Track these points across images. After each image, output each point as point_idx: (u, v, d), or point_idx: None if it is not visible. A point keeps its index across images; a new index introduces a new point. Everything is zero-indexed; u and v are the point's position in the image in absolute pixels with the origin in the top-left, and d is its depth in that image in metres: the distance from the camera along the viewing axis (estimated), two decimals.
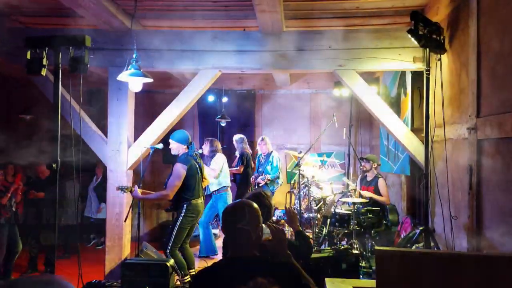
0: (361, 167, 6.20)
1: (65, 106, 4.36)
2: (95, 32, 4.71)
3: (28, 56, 2.71)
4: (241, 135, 7.42)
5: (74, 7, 4.07)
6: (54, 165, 2.59)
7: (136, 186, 4.61)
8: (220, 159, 6.32)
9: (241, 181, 7.41)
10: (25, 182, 6.44)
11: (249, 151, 7.49)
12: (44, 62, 2.70)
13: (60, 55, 2.68)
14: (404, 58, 4.69)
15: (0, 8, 4.75)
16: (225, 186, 6.30)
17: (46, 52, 2.70)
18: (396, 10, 4.69)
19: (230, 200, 6.30)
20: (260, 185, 7.28)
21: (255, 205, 2.16)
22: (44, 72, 2.73)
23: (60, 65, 2.68)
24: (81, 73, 2.70)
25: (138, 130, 5.07)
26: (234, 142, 7.37)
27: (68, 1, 3.89)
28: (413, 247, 4.16)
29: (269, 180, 7.00)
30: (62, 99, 2.73)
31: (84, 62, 2.69)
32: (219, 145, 6.41)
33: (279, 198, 7.65)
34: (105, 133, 4.94)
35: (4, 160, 5.90)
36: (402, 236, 5.19)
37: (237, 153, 7.46)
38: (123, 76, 4.04)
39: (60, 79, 2.70)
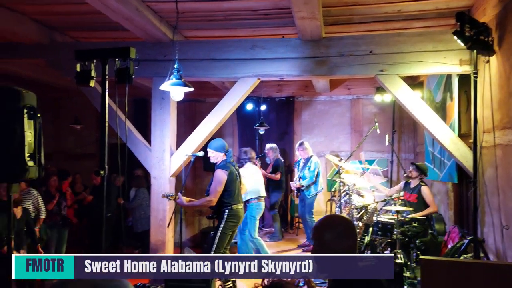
0: (405, 174, 6.02)
1: (112, 116, 4.56)
2: (140, 44, 4.89)
3: (78, 69, 2.84)
4: (273, 144, 7.68)
5: (121, 21, 4.26)
6: (102, 172, 2.70)
7: (180, 193, 4.70)
8: (248, 170, 6.24)
9: (275, 188, 7.54)
10: (82, 190, 6.86)
11: (281, 158, 7.73)
12: (93, 73, 2.82)
13: (107, 66, 2.80)
14: (449, 61, 4.53)
15: (52, 23, 5.06)
16: (253, 198, 6.21)
17: (94, 64, 2.83)
18: (440, 12, 4.55)
19: (257, 211, 6.13)
20: (295, 191, 7.30)
21: None
22: (92, 83, 2.86)
23: (107, 76, 2.80)
24: (127, 84, 2.81)
25: (180, 138, 5.20)
26: (267, 151, 7.60)
27: (115, 15, 4.09)
28: (461, 258, 3.97)
29: (302, 186, 7.04)
30: (109, 109, 2.85)
31: (129, 73, 2.79)
32: (251, 154, 6.29)
33: (320, 207, 7.56)
34: (149, 141, 5.11)
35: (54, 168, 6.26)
36: (450, 246, 4.97)
37: (268, 161, 7.67)
38: (165, 85, 4.16)
39: (107, 90, 2.81)
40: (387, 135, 7.28)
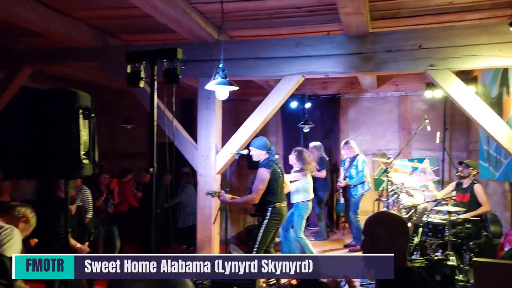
0: (457, 173, 5.77)
1: (160, 115, 4.71)
2: (187, 45, 5.01)
3: (128, 70, 2.94)
4: (317, 142, 7.61)
5: (168, 23, 4.39)
6: (151, 169, 2.79)
7: (223, 191, 4.78)
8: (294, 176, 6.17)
9: (320, 186, 7.44)
10: (135, 187, 7.16)
11: (326, 156, 7.69)
12: (142, 74, 2.91)
13: (156, 67, 2.88)
14: (506, 54, 4.29)
15: (105, 27, 5.30)
16: (303, 200, 6.15)
17: (144, 65, 2.92)
18: (495, 2, 4.31)
19: (305, 210, 6.11)
20: (340, 190, 7.20)
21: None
22: (142, 84, 2.95)
23: (155, 77, 2.88)
24: (174, 84, 2.87)
25: (225, 137, 5.28)
26: (311, 149, 7.47)
27: (163, 17, 4.22)
28: None
29: (349, 185, 6.93)
30: (157, 109, 2.93)
31: (176, 73, 2.85)
32: (307, 157, 6.16)
33: (367, 206, 7.40)
34: (195, 140, 5.23)
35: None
36: (506, 249, 4.70)
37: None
38: (211, 85, 4.24)
39: (155, 90, 2.90)
40: (438, 133, 7.00)
